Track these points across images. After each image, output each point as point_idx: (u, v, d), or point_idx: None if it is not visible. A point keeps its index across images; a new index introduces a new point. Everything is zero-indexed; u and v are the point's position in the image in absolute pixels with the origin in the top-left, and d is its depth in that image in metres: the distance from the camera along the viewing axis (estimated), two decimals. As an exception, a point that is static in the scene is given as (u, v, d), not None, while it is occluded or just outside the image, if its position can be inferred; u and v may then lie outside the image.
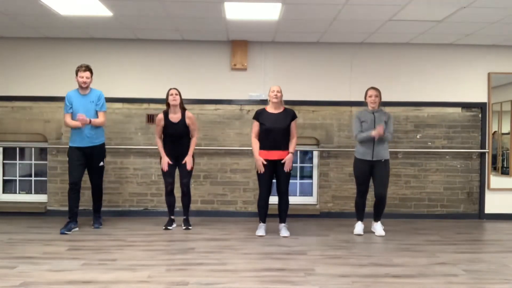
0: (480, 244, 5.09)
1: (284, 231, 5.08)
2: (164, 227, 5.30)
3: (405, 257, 4.28)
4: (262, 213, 5.13)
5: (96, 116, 5.18)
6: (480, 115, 6.25)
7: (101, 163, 5.35)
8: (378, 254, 4.38)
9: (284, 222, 5.16)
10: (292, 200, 6.20)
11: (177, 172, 5.42)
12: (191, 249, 4.45)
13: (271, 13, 4.92)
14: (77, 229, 5.17)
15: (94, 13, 5.00)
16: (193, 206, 6.16)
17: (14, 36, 6.07)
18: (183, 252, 4.36)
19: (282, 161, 4.97)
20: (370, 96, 5.17)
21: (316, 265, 3.96)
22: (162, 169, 5.32)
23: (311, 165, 6.43)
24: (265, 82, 6.13)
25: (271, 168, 5.01)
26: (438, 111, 6.25)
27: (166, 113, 5.27)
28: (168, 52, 6.19)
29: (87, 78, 5.08)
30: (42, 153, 6.37)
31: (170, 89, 5.25)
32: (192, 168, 5.35)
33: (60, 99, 5.92)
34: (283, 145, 5.01)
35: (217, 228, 5.45)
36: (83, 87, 5.10)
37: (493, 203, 6.24)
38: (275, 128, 4.96)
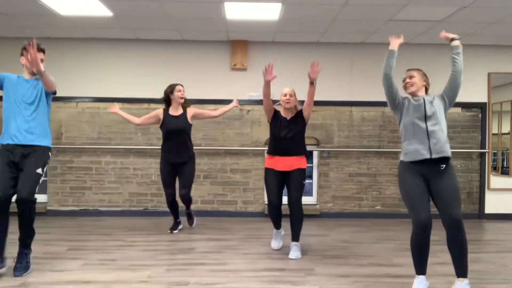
0: (480, 244, 5.08)
1: (294, 252, 4.21)
2: (169, 231, 5.15)
3: (405, 257, 4.26)
4: (274, 220, 4.46)
5: (42, 106, 3.76)
6: (480, 115, 6.25)
7: (39, 170, 3.73)
8: (378, 254, 4.38)
9: (296, 240, 4.28)
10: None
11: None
12: (191, 249, 4.45)
13: (271, 13, 4.92)
14: (4, 268, 3.62)
15: (94, 13, 5.01)
16: (193, 206, 6.16)
17: (14, 36, 6.06)
18: (183, 252, 4.36)
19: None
20: (403, 82, 3.61)
21: (316, 265, 3.96)
22: (162, 179, 5.03)
23: (311, 165, 6.43)
24: (265, 82, 6.12)
25: (280, 177, 4.31)
26: (438, 111, 6.24)
27: (165, 110, 4.98)
28: (168, 52, 6.18)
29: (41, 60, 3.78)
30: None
31: (176, 84, 4.97)
32: (193, 175, 5.05)
33: (60, 99, 5.94)
34: (294, 151, 4.32)
35: (217, 228, 5.45)
36: (29, 72, 3.82)
37: (493, 203, 6.24)
38: (285, 137, 4.31)
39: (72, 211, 6.06)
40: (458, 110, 6.25)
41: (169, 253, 4.31)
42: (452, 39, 3.56)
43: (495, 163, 6.33)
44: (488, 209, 6.25)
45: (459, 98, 6.22)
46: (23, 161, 3.65)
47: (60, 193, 6.11)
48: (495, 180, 6.25)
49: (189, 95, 5.94)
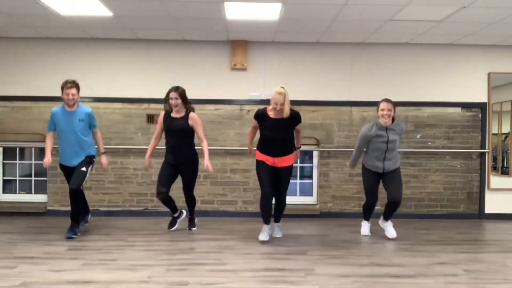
0: (480, 244, 5.09)
1: (277, 231, 5.01)
2: (168, 228, 5.27)
3: (405, 257, 4.28)
4: (265, 214, 4.77)
5: (85, 132, 4.90)
6: (480, 115, 6.25)
7: (83, 168, 4.87)
8: (378, 254, 4.38)
9: (278, 221, 5.04)
10: (292, 200, 6.22)
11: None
12: (191, 249, 4.45)
13: (271, 13, 4.92)
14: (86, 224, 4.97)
15: (94, 13, 5.00)
16: (193, 206, 6.18)
17: (14, 36, 6.06)
18: (183, 252, 4.36)
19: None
20: (383, 110, 4.70)
21: (316, 265, 3.96)
22: (158, 176, 5.02)
23: (311, 165, 6.43)
24: (265, 82, 6.13)
25: (271, 169, 4.71)
26: (438, 111, 6.25)
27: (168, 111, 5.03)
28: (168, 52, 6.18)
29: (73, 95, 4.75)
30: (42, 153, 6.36)
31: (170, 91, 4.94)
32: (195, 177, 5.09)
33: (60, 99, 5.93)
34: (285, 152, 4.69)
35: (217, 228, 5.45)
36: (70, 105, 4.80)
37: (493, 203, 6.24)
38: (275, 138, 4.60)
39: (72, 211, 6.05)
40: (458, 110, 6.25)
41: (169, 253, 4.31)
42: None
43: (495, 163, 6.33)
44: (488, 209, 6.25)
45: (459, 98, 6.31)
46: None
47: (60, 193, 6.11)
48: (495, 180, 6.25)
49: (189, 95, 5.93)
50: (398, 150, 5.01)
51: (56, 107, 4.92)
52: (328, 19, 5.10)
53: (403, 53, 6.26)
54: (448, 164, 6.25)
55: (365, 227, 5.26)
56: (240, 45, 6.12)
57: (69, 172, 4.93)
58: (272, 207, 4.88)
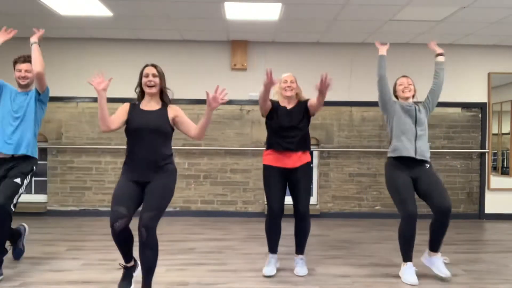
0: (480, 244, 5.09)
1: (300, 268, 3.73)
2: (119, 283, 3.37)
3: (405, 257, 4.27)
4: (271, 239, 3.77)
5: (32, 118, 3.73)
6: (480, 115, 6.25)
7: (17, 180, 3.60)
8: (378, 254, 4.38)
9: (301, 253, 3.81)
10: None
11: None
12: (191, 249, 4.45)
13: (271, 13, 4.92)
14: (1, 277, 3.47)
15: (94, 13, 5.01)
16: (193, 206, 6.17)
17: (14, 36, 6.05)
18: (183, 252, 4.36)
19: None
20: (401, 85, 3.88)
21: (316, 265, 3.96)
22: (114, 191, 3.38)
23: (311, 165, 6.43)
24: (265, 82, 6.13)
25: (283, 177, 3.69)
26: (438, 111, 6.24)
27: (135, 104, 3.42)
28: (168, 52, 6.18)
29: (26, 71, 3.73)
30: (42, 153, 6.36)
31: (145, 66, 3.53)
32: (166, 199, 3.29)
33: (60, 99, 5.94)
34: (299, 146, 3.69)
35: (217, 228, 5.45)
36: (22, 84, 3.74)
37: (493, 203, 6.24)
38: (288, 127, 3.68)
39: (72, 211, 6.06)
40: (458, 110, 6.25)
41: (169, 253, 4.30)
42: (438, 54, 4.00)
43: (495, 163, 6.33)
44: (488, 209, 6.25)
45: (459, 98, 6.29)
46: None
47: (60, 193, 6.11)
48: (495, 180, 6.25)
49: (189, 95, 5.96)
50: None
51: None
52: (328, 19, 5.10)
53: (403, 53, 6.25)
54: (448, 164, 6.25)
55: (408, 273, 3.52)
56: (240, 45, 6.12)
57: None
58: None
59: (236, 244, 4.68)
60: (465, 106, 6.25)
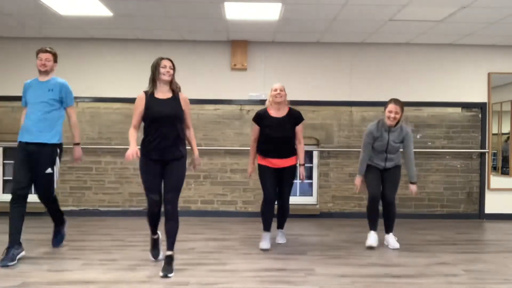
0: (480, 244, 5.09)
1: (280, 237, 4.78)
2: (152, 258, 4.03)
3: (405, 257, 4.28)
4: (266, 220, 4.57)
5: (55, 108, 4.11)
6: (480, 115, 6.25)
7: (49, 170, 4.07)
8: (378, 254, 4.38)
9: (282, 228, 4.81)
10: (292, 200, 6.18)
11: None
12: (191, 249, 4.45)
13: (271, 13, 4.92)
14: (23, 253, 3.94)
15: (94, 13, 5.01)
16: (193, 206, 6.17)
17: (14, 36, 6.07)
18: (183, 252, 4.35)
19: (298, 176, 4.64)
20: (390, 112, 4.44)
21: (316, 265, 3.96)
22: (143, 177, 3.74)
23: (311, 165, 6.43)
24: (265, 82, 6.13)
25: (275, 173, 4.52)
26: (438, 111, 6.25)
27: (149, 93, 3.80)
28: (168, 52, 6.09)
29: (47, 60, 4.14)
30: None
31: (161, 59, 3.79)
32: (183, 179, 3.77)
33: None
34: (288, 153, 4.52)
35: (217, 228, 5.45)
36: (42, 71, 4.14)
37: (493, 203, 6.24)
38: (278, 137, 4.43)
39: (72, 211, 6.05)
40: (458, 110, 6.25)
41: (169, 253, 4.30)
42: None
43: (495, 163, 6.33)
44: (488, 209, 6.25)
45: (459, 98, 6.30)
46: None
47: (60, 193, 6.09)
48: (495, 180, 6.25)
49: (189, 95, 5.89)
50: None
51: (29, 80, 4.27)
52: (328, 19, 5.10)
53: (403, 53, 6.26)
54: (448, 164, 6.25)
55: (371, 237, 4.64)
56: (240, 45, 6.12)
57: (28, 153, 4.03)
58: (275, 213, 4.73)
59: (236, 244, 4.68)
60: (465, 106, 6.25)
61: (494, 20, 5.05)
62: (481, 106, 6.24)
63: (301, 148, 4.57)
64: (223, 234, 5.14)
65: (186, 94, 5.57)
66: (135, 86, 6.14)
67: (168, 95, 3.79)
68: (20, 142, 4.07)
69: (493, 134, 6.27)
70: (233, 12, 4.91)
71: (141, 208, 6.20)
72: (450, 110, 6.26)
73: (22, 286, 3.33)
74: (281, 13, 4.90)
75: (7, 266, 3.74)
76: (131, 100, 6.14)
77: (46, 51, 4.19)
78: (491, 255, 4.42)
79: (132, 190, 6.18)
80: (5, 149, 6.35)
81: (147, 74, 6.11)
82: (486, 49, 6.20)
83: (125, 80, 6.20)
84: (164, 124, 3.66)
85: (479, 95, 6.23)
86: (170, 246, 3.70)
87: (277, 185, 4.54)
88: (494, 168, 6.31)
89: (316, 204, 6.35)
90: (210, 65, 6.17)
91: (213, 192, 6.22)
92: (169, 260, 3.66)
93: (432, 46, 6.20)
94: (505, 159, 6.33)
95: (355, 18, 5.07)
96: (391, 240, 4.68)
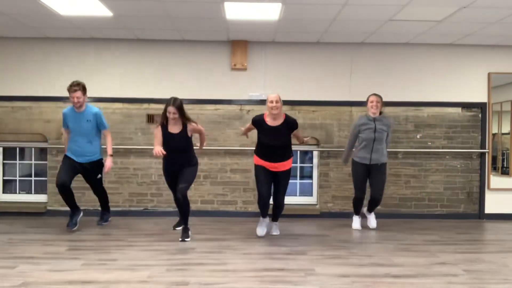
0: (480, 244, 5.09)
1: (275, 229, 5.12)
2: (173, 227, 5.26)
3: (405, 257, 4.28)
4: (262, 209, 5.00)
5: (94, 133, 5.12)
6: (480, 115, 6.25)
7: (99, 176, 5.31)
8: (378, 254, 4.38)
9: (276, 220, 5.16)
10: (292, 200, 6.22)
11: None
12: (191, 249, 4.45)
13: (271, 13, 4.92)
14: (81, 214, 5.26)
15: (94, 13, 5.00)
16: (193, 206, 6.15)
17: (14, 36, 6.07)
18: (183, 252, 4.36)
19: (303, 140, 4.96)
20: (372, 102, 5.28)
21: (316, 265, 3.96)
22: (167, 180, 4.96)
23: (311, 165, 6.43)
24: (265, 82, 6.14)
25: (270, 173, 4.85)
26: (438, 111, 6.25)
27: (163, 125, 4.74)
28: (168, 52, 6.18)
29: (77, 98, 4.92)
30: (42, 153, 6.37)
31: (168, 105, 4.61)
32: (193, 176, 4.86)
33: (60, 99, 5.94)
34: (284, 157, 4.81)
35: (217, 228, 5.45)
36: (77, 107, 5.01)
37: (493, 203, 6.24)
38: (274, 145, 4.74)
39: (72, 211, 6.05)
40: (458, 110, 6.25)
41: (169, 253, 4.31)
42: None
43: (495, 164, 6.33)
44: (488, 209, 6.25)
45: (459, 98, 6.30)
46: None
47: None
48: (495, 180, 6.25)
49: (189, 95, 5.97)
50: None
51: (66, 108, 5.19)
52: (328, 19, 5.10)
53: (403, 53, 6.25)
54: (448, 164, 6.25)
55: (356, 222, 5.54)
56: (240, 45, 6.12)
57: (71, 164, 5.10)
58: (270, 208, 5.04)
59: (236, 244, 4.68)
60: (465, 106, 6.25)
61: (494, 20, 5.05)
62: (481, 106, 6.23)
63: (298, 133, 4.94)
64: (223, 234, 5.14)
65: (186, 94, 5.61)
66: (135, 86, 6.20)
67: (178, 129, 4.73)
68: (70, 158, 5.10)
69: (493, 134, 6.27)
70: (233, 12, 4.90)
71: (141, 208, 6.20)
72: (450, 110, 6.26)
73: (22, 286, 3.33)
74: (281, 13, 4.90)
75: (72, 230, 5.04)
76: (131, 100, 6.21)
77: (76, 90, 4.89)
78: (491, 255, 4.42)
79: (132, 190, 6.18)
80: (5, 149, 6.34)
81: (147, 74, 6.18)
82: (486, 49, 6.20)
83: (125, 80, 6.20)
84: (177, 152, 4.72)
85: (479, 95, 6.23)
86: (184, 221, 4.86)
87: (271, 182, 4.88)
88: (494, 168, 6.31)
89: (316, 204, 6.35)
90: (210, 65, 6.17)
91: (213, 192, 6.22)
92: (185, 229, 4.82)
93: (432, 46, 6.20)
94: (494, 159, 6.31)
95: (355, 18, 5.07)
96: (372, 219, 5.51)
